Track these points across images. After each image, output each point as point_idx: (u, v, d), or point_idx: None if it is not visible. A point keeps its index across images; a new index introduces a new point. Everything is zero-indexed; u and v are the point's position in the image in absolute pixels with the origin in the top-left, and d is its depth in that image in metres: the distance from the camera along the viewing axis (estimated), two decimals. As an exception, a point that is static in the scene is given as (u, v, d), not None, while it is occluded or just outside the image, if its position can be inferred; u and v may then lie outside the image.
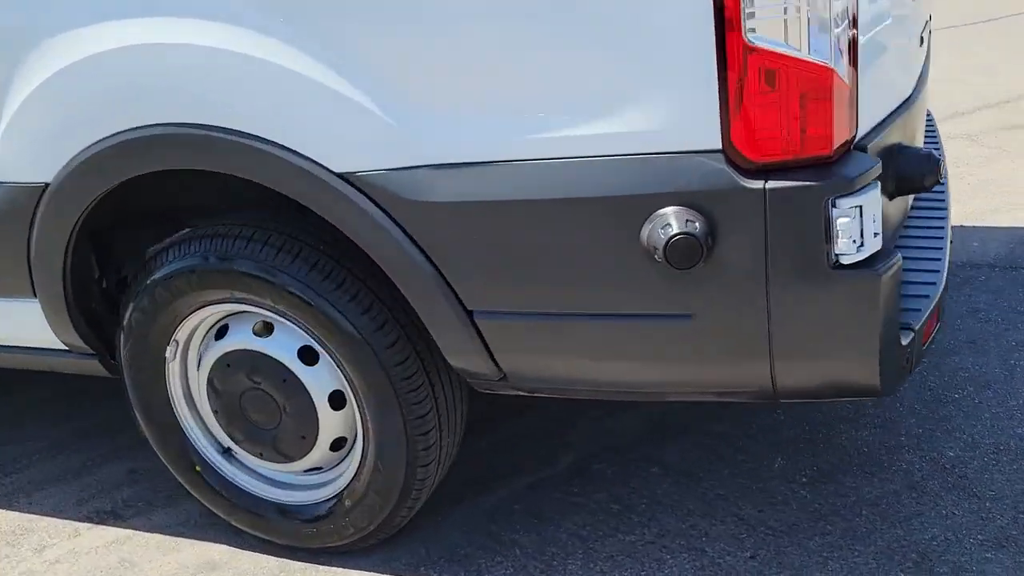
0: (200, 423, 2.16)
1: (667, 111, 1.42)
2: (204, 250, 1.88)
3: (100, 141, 1.77)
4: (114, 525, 2.38)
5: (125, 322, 2.03)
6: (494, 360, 1.71)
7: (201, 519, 2.35)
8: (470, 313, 1.67)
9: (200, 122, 1.67)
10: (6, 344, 2.23)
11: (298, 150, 1.64)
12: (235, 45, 1.60)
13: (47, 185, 1.90)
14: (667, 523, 2.11)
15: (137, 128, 1.72)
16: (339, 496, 2.03)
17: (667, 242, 1.42)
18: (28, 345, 2.23)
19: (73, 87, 1.75)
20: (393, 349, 1.83)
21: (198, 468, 2.16)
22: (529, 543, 2.11)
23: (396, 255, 1.66)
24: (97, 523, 2.40)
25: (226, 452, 2.17)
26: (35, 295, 2.09)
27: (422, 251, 1.64)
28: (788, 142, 1.37)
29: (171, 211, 2.37)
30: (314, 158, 1.65)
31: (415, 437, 1.89)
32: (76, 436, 2.82)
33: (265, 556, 2.18)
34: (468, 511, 2.24)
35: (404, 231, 1.63)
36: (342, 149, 1.64)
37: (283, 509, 2.11)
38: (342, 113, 1.60)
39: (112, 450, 2.74)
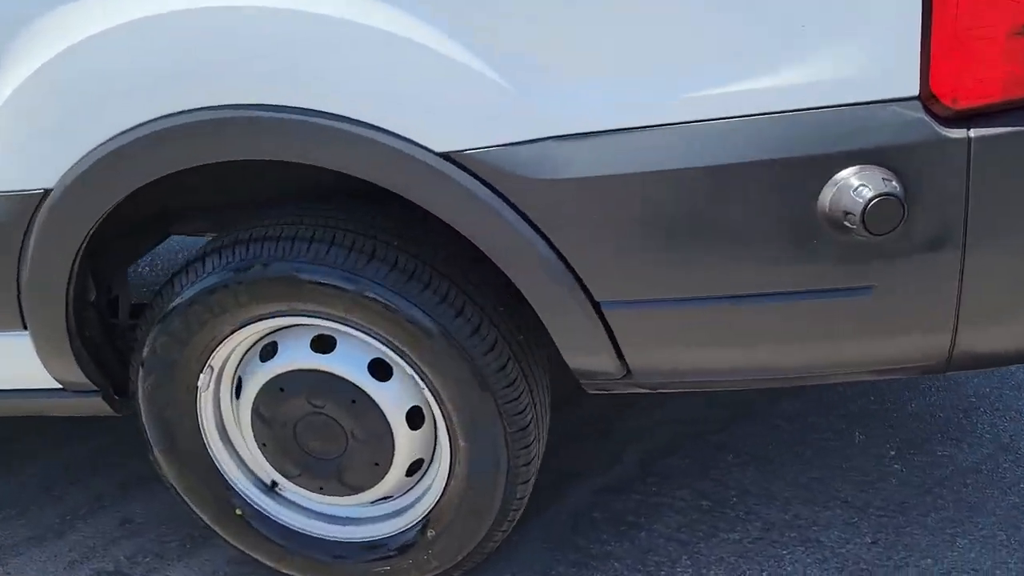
0: (237, 459, 1.86)
1: (852, 55, 1.23)
2: (254, 257, 1.58)
3: (130, 131, 1.44)
4: (126, 588, 2.05)
5: (147, 350, 1.71)
6: (620, 356, 1.50)
7: (231, 568, 2.04)
8: (597, 304, 1.45)
9: (270, 102, 1.38)
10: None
11: (392, 129, 1.38)
12: (319, 7, 1.33)
13: (47, 192, 1.56)
14: (768, 515, 1.96)
15: (187, 112, 1.40)
16: (419, 525, 1.77)
17: (866, 205, 1.24)
18: (5, 388, 1.87)
19: (95, 65, 1.42)
20: (492, 354, 1.59)
21: (239, 511, 1.86)
22: (625, 553, 1.91)
23: (511, 243, 1.42)
24: (103, 587, 2.06)
25: (270, 489, 1.88)
26: (24, 326, 1.73)
27: (543, 236, 1.41)
28: (1008, 82, 1.22)
29: (160, 216, 2.05)
30: (412, 137, 1.38)
31: (516, 451, 1.66)
32: (41, 487, 2.43)
33: (325, 603, 1.91)
34: (544, 525, 2.02)
35: (521, 214, 1.40)
36: (446, 125, 1.38)
37: (346, 548, 1.84)
38: (447, 82, 1.34)
39: (92, 498, 2.37)
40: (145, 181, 1.50)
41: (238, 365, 1.77)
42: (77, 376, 1.78)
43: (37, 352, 1.75)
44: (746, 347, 1.44)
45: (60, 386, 1.83)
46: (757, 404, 2.33)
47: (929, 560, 1.78)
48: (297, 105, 1.39)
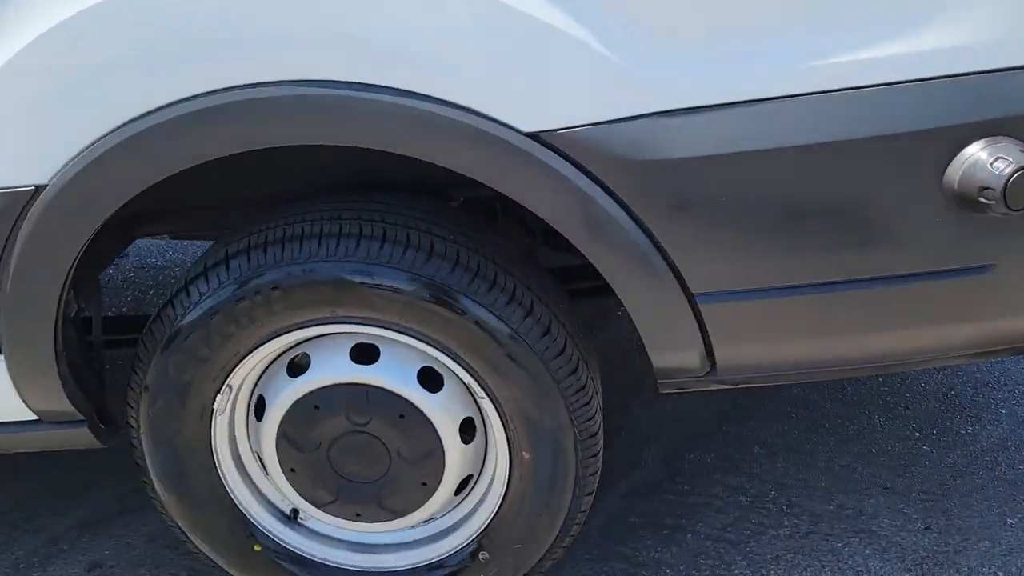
0: (253, 488, 1.64)
1: (991, 18, 1.17)
2: (291, 259, 1.38)
3: (152, 113, 1.22)
4: (113, 643, 1.79)
5: (153, 372, 1.47)
6: (709, 351, 1.39)
7: (234, 610, 1.82)
8: (692, 297, 1.33)
9: (334, 78, 1.19)
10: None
11: (475, 108, 1.22)
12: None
13: (38, 189, 1.31)
14: (812, 507, 1.89)
15: (235, 89, 1.19)
16: (471, 547, 1.60)
17: (1008, 180, 1.17)
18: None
19: (106, 32, 1.19)
20: (562, 357, 1.44)
21: (258, 547, 1.64)
22: (674, 559, 1.81)
23: (602, 231, 1.27)
24: (85, 646, 1.79)
25: (289, 520, 1.67)
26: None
27: (639, 223, 1.27)
28: None
29: (129, 217, 1.80)
30: (497, 116, 1.23)
31: (585, 460, 1.52)
32: (-15, 533, 2.13)
33: (357, 642, 1.72)
34: (581, 537, 1.87)
35: (616, 199, 1.26)
36: (535, 102, 1.22)
37: (384, 578, 1.66)
38: (540, 54, 1.19)
39: (46, 542, 2.07)
40: (170, 173, 1.27)
41: (256, 383, 1.56)
42: (61, 404, 1.52)
43: (13, 378, 1.48)
44: (853, 335, 1.35)
45: (35, 417, 1.58)
46: (765, 393, 2.28)
47: (987, 543, 1.75)
48: (362, 81, 1.21)
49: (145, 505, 2.17)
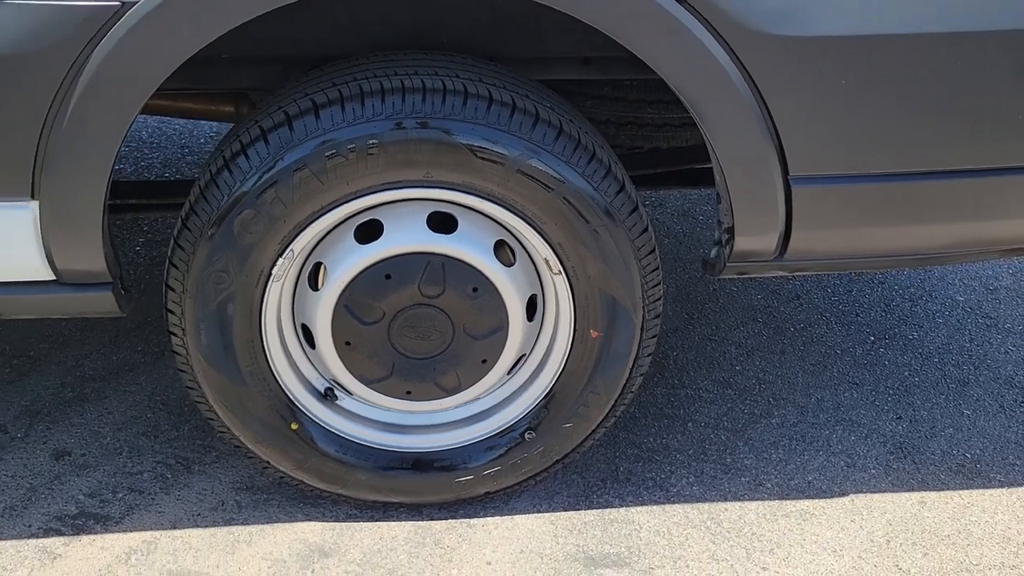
0: (291, 364, 1.55)
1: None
2: (397, 111, 1.29)
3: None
4: (106, 531, 1.64)
5: (217, 230, 1.34)
6: (787, 235, 1.44)
7: (242, 496, 1.72)
8: (788, 179, 1.37)
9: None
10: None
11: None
12: None
13: (124, 5, 1.13)
14: (795, 400, 2.02)
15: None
16: (517, 428, 1.60)
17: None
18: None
19: None
20: (645, 236, 1.45)
21: (295, 426, 1.55)
22: (681, 444, 1.88)
23: (722, 99, 1.29)
24: (73, 534, 1.63)
25: (325, 398, 1.59)
26: (32, 195, 1.27)
27: (759, 97, 1.29)
28: None
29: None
30: (646, -26, 1.19)
31: (647, 340, 1.54)
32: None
33: (386, 524, 1.66)
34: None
35: (742, 68, 1.27)
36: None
37: (424, 460, 1.61)
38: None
39: (-9, 431, 1.87)
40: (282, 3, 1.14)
41: (314, 249, 1.46)
42: (92, 262, 1.36)
43: (44, 229, 1.31)
44: (929, 225, 1.44)
45: (51, 278, 1.40)
46: (729, 298, 2.40)
47: (951, 429, 1.95)
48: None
49: (104, 392, 2.01)
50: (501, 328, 1.50)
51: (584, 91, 1.88)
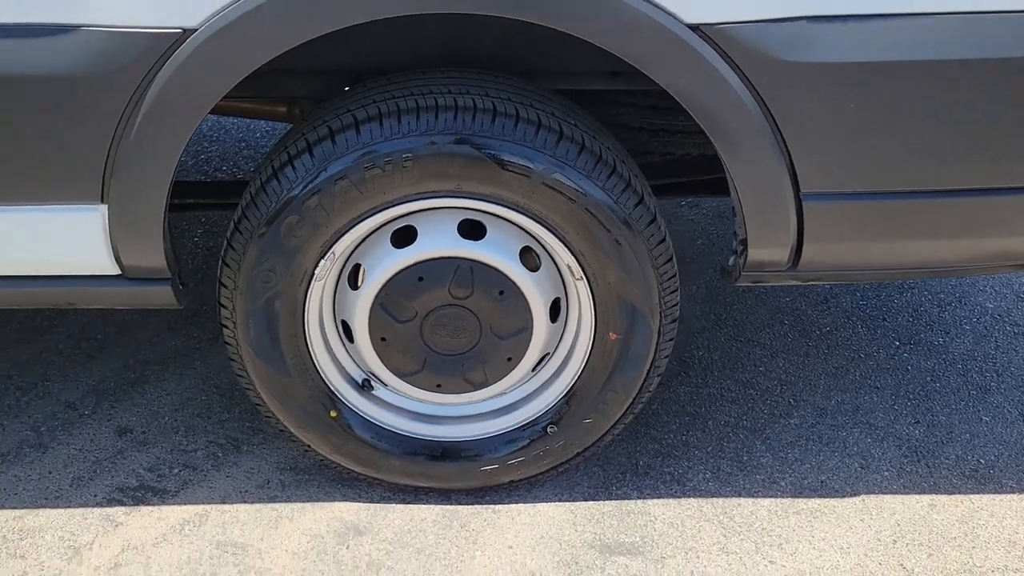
0: (332, 356, 1.68)
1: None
2: (431, 128, 1.40)
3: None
4: (162, 503, 1.79)
5: (266, 232, 1.47)
6: (799, 248, 1.52)
7: (285, 476, 1.86)
8: (799, 195, 1.45)
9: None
10: (20, 274, 1.49)
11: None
12: None
13: (185, 32, 1.26)
14: (815, 402, 2.09)
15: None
16: (540, 422, 1.70)
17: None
18: (50, 273, 1.52)
19: None
20: (663, 245, 1.54)
21: (334, 413, 1.68)
22: (700, 442, 1.97)
23: (735, 122, 1.37)
24: (133, 505, 1.78)
25: (363, 389, 1.71)
26: (101, 199, 1.41)
27: (771, 119, 1.37)
28: None
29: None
30: (662, 4, 1.28)
31: (663, 344, 1.64)
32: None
33: (417, 506, 1.79)
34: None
35: (756, 94, 1.35)
36: (701, -6, 1.29)
37: (452, 449, 1.73)
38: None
39: (64, 407, 2.04)
40: (329, 30, 1.26)
41: (353, 251, 1.58)
42: (154, 259, 1.50)
43: (112, 229, 1.45)
44: (941, 241, 1.51)
45: (116, 273, 1.54)
46: (755, 301, 2.46)
47: (967, 435, 2.00)
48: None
49: (163, 375, 2.17)
50: (525, 329, 1.60)
51: (617, 99, 1.96)
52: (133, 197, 1.42)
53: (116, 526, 1.74)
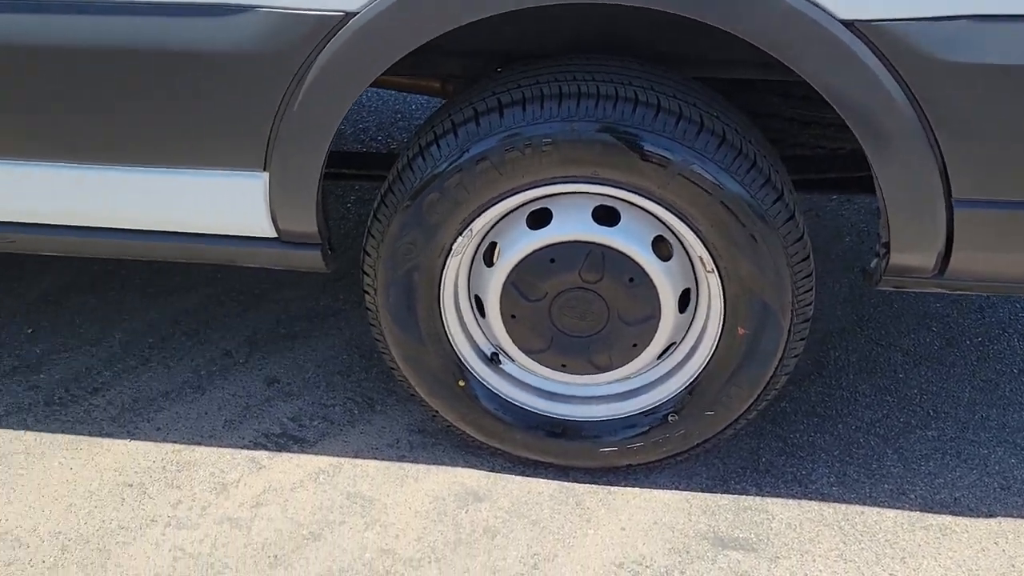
0: (463, 329, 1.75)
1: None
2: (572, 114, 1.43)
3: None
4: (301, 452, 1.92)
5: (408, 206, 1.55)
6: (947, 255, 1.46)
7: (413, 437, 1.96)
8: (951, 201, 1.40)
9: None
10: (188, 231, 1.65)
11: (799, -12, 1.25)
12: None
13: (347, 15, 1.35)
14: (957, 415, 1.99)
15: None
16: (662, 410, 1.72)
17: None
18: (215, 232, 1.66)
19: None
20: (800, 243, 1.52)
21: (462, 383, 1.75)
22: (828, 444, 1.92)
23: (888, 122, 1.33)
24: (276, 450, 1.93)
25: (491, 362, 1.78)
26: (264, 166, 1.53)
27: (924, 121, 1.32)
28: None
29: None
30: (818, 0, 1.26)
31: (794, 342, 1.61)
32: (154, 338, 2.24)
33: (535, 480, 1.84)
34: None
35: (909, 94, 1.30)
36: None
37: (573, 427, 1.77)
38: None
39: (220, 354, 2.21)
40: (490, 13, 1.30)
41: (490, 230, 1.64)
42: (307, 225, 1.61)
43: (271, 196, 1.57)
44: None
45: (274, 236, 1.66)
46: (903, 303, 2.36)
47: None
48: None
49: (310, 333, 2.32)
50: (653, 317, 1.61)
51: (771, 88, 1.92)
52: (292, 166, 1.53)
53: (260, 468, 1.89)
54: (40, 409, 2.04)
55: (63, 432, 1.97)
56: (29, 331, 2.28)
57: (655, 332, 1.63)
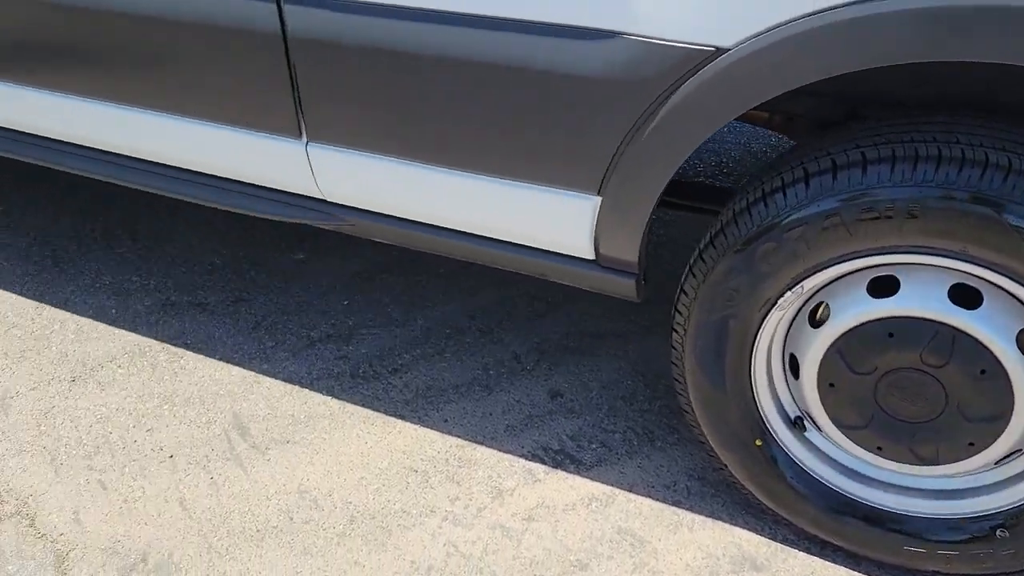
0: (771, 387, 1.64)
1: None
2: (945, 181, 1.28)
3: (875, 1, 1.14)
4: (576, 473, 1.91)
5: (741, 253, 1.46)
6: None
7: (692, 483, 1.88)
8: None
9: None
10: (509, 240, 1.69)
11: None
12: None
13: (718, 51, 1.29)
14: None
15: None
16: (991, 520, 1.51)
17: None
18: (533, 245, 1.68)
19: None
20: None
21: (759, 442, 1.65)
22: None
23: None
24: (552, 466, 1.93)
25: (793, 426, 1.66)
26: (599, 191, 1.52)
27: None
28: None
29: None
30: None
31: None
32: (451, 329, 2.32)
33: (821, 561, 1.68)
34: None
35: None
36: None
37: (876, 516, 1.60)
38: None
39: (510, 356, 2.24)
40: (888, 63, 1.19)
41: (820, 289, 1.51)
42: (629, 254, 1.57)
43: (599, 220, 1.54)
44: None
45: (591, 258, 1.65)
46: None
47: None
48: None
49: (597, 351, 2.30)
50: (1001, 418, 1.40)
51: None
52: (627, 194, 1.48)
53: (535, 481, 1.89)
54: (347, 379, 2.19)
55: (363, 405, 2.10)
56: (345, 303, 2.47)
57: (1000, 434, 1.41)
